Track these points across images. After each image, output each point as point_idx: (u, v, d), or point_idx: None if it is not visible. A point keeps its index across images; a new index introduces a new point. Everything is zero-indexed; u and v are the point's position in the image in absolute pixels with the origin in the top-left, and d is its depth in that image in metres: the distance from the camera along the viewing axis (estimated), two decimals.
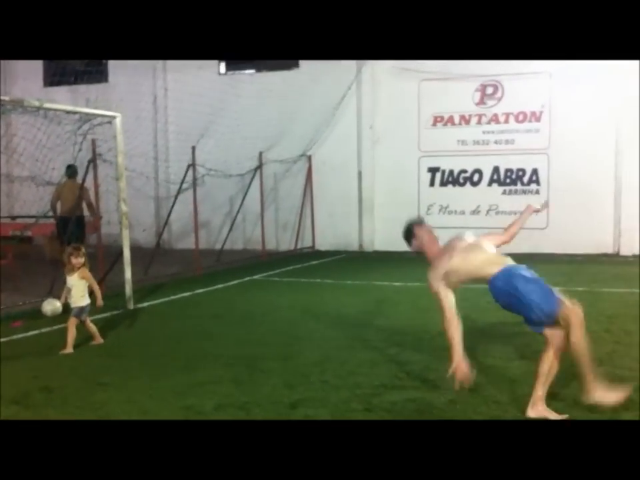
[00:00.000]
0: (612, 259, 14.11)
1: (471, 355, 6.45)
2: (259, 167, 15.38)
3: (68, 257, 7.16)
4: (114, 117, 9.50)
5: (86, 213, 11.64)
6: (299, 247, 16.75)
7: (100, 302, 7.25)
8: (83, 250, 7.25)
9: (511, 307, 4.94)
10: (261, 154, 15.35)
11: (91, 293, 7.30)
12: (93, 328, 7.32)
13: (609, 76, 14.20)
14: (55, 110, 9.29)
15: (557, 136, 14.99)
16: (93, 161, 10.14)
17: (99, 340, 7.28)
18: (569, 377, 5.47)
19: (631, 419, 4.68)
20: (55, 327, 7.71)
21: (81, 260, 7.15)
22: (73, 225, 10.72)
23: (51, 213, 11.84)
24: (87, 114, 9.71)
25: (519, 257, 12.30)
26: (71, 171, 11.58)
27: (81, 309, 7.14)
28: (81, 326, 7.17)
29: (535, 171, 15.33)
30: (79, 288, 7.14)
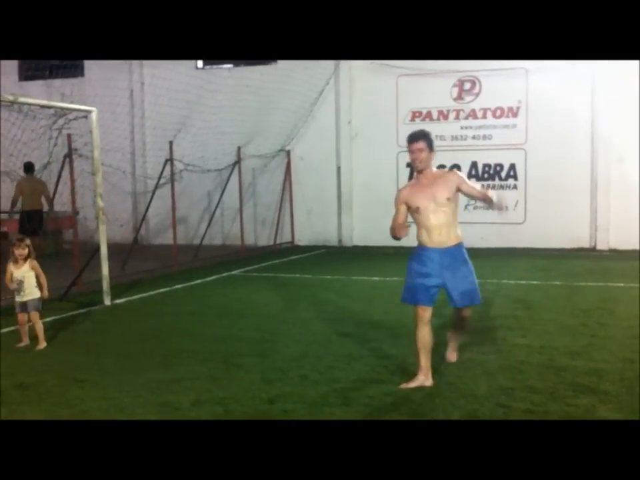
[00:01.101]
0: (588, 254, 14.24)
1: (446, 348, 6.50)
2: (237, 162, 15.31)
3: (11, 249, 7.05)
4: (90, 112, 9.40)
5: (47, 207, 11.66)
6: (277, 242, 16.72)
7: (46, 293, 7.13)
8: (27, 241, 7.10)
9: None
10: (239, 149, 15.28)
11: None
12: (41, 327, 7.09)
13: (585, 72, 14.32)
14: (30, 104, 9.19)
15: (534, 131, 15.09)
16: (68, 156, 10.04)
17: (42, 344, 6.99)
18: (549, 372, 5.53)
19: (607, 412, 4.72)
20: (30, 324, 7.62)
21: (24, 251, 7.00)
22: (35, 219, 10.74)
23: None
24: (62, 108, 9.60)
25: (496, 252, 12.49)
26: (28, 167, 11.87)
27: (39, 301, 7.06)
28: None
29: (512, 166, 15.42)
30: (30, 280, 7.01)
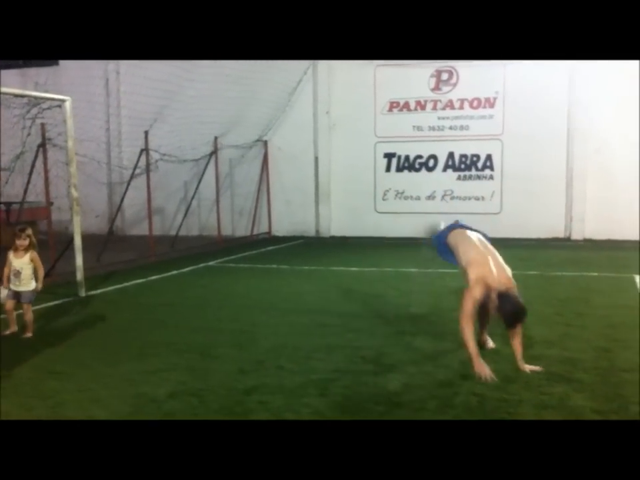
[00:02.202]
0: (563, 244, 14.38)
1: (425, 338, 6.54)
2: (214, 152, 15.22)
3: (12, 239, 6.95)
4: (64, 101, 9.27)
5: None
6: (255, 232, 16.67)
7: (40, 286, 7.08)
8: (29, 231, 7.03)
9: None
10: (216, 139, 15.19)
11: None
12: (31, 317, 7.07)
13: (563, 63, 14.40)
14: (3, 93, 9.03)
15: (511, 122, 15.17)
16: (42, 146, 9.91)
17: (30, 333, 6.99)
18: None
19: (581, 400, 4.77)
20: (2, 316, 7.53)
21: (25, 242, 6.93)
22: None
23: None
24: (35, 97, 9.47)
25: None
26: None
27: (33, 293, 6.99)
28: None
29: (489, 157, 15.50)
30: (27, 271, 6.95)
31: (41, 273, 7.08)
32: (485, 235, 6.09)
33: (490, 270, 5.34)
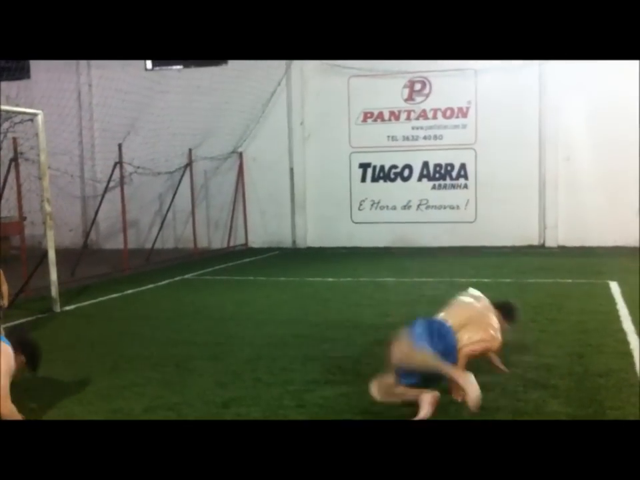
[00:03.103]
0: (537, 251, 14.51)
1: None
2: (189, 164, 15.18)
3: None
4: (35, 114, 9.19)
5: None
6: (231, 244, 16.63)
7: (5, 303, 6.93)
8: None
9: None
10: (190, 151, 15.15)
11: None
12: None
13: (533, 72, 14.60)
14: None
15: (483, 131, 15.32)
16: (14, 160, 9.80)
17: None
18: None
19: (557, 406, 4.80)
20: None
21: None
22: None
23: None
24: (7, 111, 9.38)
25: (448, 251, 12.61)
26: None
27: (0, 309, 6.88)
28: None
29: (463, 166, 15.62)
30: None
31: (5, 289, 6.96)
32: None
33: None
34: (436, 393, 4.68)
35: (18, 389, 5.62)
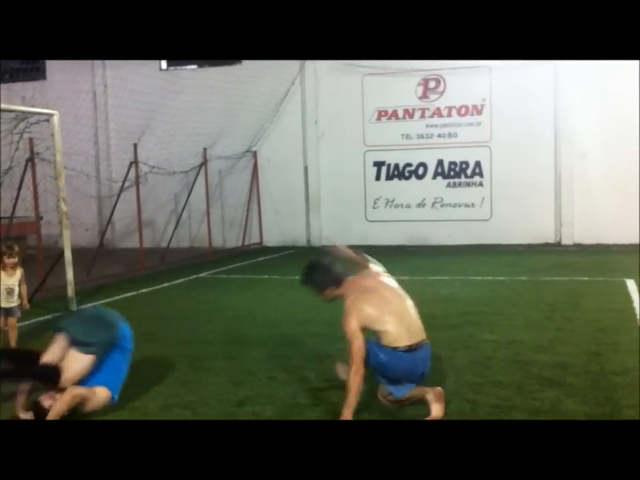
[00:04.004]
0: (553, 249, 14.43)
1: None
2: (203, 163, 15.22)
3: (1, 257, 6.83)
4: (51, 115, 9.26)
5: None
6: (246, 243, 16.66)
7: (26, 303, 7.10)
8: (17, 249, 6.96)
9: None
10: (205, 150, 15.19)
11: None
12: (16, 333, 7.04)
13: (548, 69, 14.52)
14: None
15: (498, 129, 15.25)
16: (30, 160, 9.89)
17: None
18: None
19: (572, 405, 4.78)
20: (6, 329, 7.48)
21: (15, 259, 6.86)
22: None
23: None
24: (23, 112, 9.46)
25: (463, 249, 12.56)
26: None
27: (19, 308, 6.97)
28: None
29: (477, 164, 15.56)
30: (15, 289, 6.92)
31: (25, 289, 7.08)
32: None
33: None
34: (438, 389, 4.68)
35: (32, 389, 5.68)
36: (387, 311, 4.67)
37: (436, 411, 4.57)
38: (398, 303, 4.78)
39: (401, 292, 4.89)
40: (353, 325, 4.61)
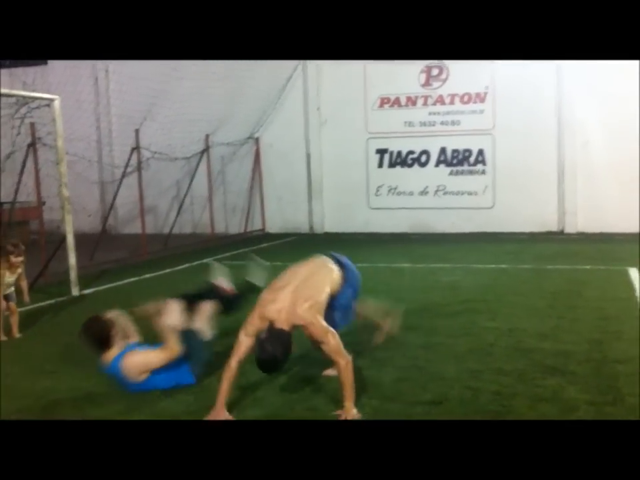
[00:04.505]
0: (556, 237, 14.41)
1: (418, 332, 6.54)
2: (206, 149, 15.19)
3: (7, 256, 6.81)
4: (52, 100, 9.23)
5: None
6: (248, 229, 16.66)
7: (27, 298, 7.30)
8: (22, 247, 6.98)
9: None
10: (207, 137, 15.15)
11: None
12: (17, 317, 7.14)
13: None
14: None
15: (501, 117, 15.18)
16: (32, 145, 9.87)
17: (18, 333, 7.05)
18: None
19: (574, 393, 4.78)
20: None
21: (21, 259, 6.92)
22: None
23: None
24: (24, 97, 9.43)
25: (466, 237, 12.56)
26: None
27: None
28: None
29: (480, 152, 15.50)
30: (13, 283, 7.05)
31: (25, 285, 7.24)
32: None
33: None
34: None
35: (36, 370, 5.70)
36: (309, 282, 4.76)
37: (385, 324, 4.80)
38: (301, 271, 4.92)
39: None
40: (321, 323, 4.53)
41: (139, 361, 5.05)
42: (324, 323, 4.54)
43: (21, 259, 6.90)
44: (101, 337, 5.06)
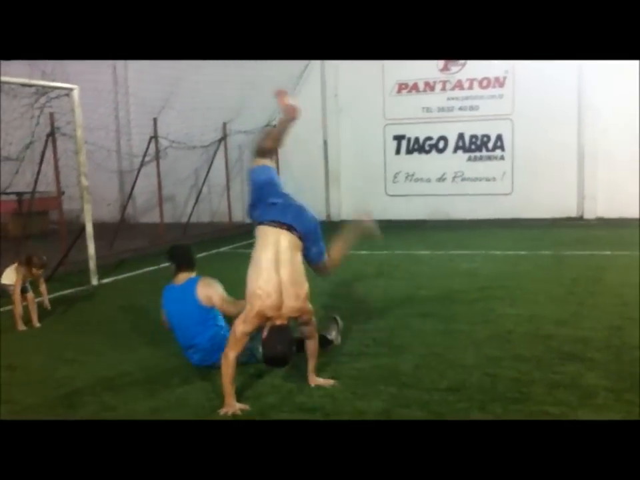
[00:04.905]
0: (576, 223, 14.29)
1: (436, 319, 6.53)
2: (223, 138, 15.20)
3: (29, 266, 6.98)
4: (71, 89, 9.28)
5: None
6: None
7: (46, 302, 7.50)
8: (46, 260, 7.26)
9: None
10: (224, 125, 15.16)
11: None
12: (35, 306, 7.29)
13: None
14: (10, 83, 9.06)
15: (521, 102, 15.04)
16: (51, 135, 9.92)
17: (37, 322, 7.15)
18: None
19: (593, 379, 4.75)
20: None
21: (42, 271, 7.22)
22: None
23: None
24: (43, 87, 9.48)
25: (484, 223, 12.44)
26: None
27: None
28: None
29: (499, 137, 15.38)
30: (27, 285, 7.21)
31: (44, 289, 7.46)
32: None
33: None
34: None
35: (56, 359, 5.77)
36: (288, 267, 4.82)
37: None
38: (271, 257, 4.92)
39: None
40: (311, 308, 4.83)
41: (214, 287, 5.42)
42: (311, 306, 4.77)
43: (41, 271, 7.17)
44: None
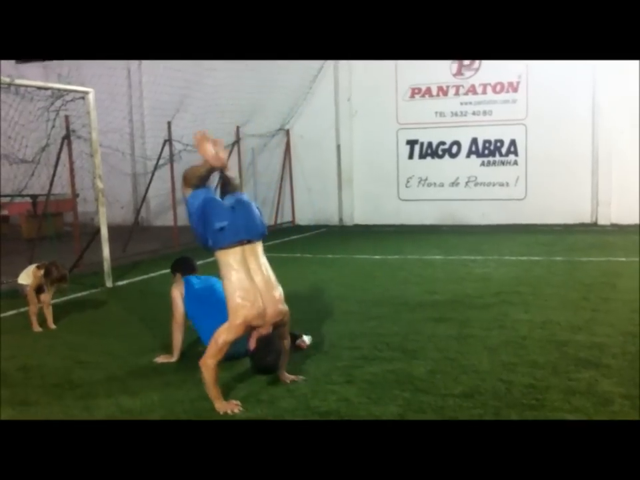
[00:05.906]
0: (590, 229, 14.22)
1: (450, 324, 6.51)
2: (237, 141, 15.24)
3: (47, 277, 6.95)
4: (87, 93, 9.33)
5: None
6: (278, 221, 16.70)
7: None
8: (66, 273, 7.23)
9: None
10: (237, 128, 15.20)
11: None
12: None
13: None
14: (26, 86, 9.14)
15: (534, 106, 15.00)
16: (66, 138, 10.00)
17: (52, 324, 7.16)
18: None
19: (609, 386, 4.72)
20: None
21: (56, 284, 7.12)
22: None
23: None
24: (58, 90, 9.55)
25: (498, 228, 12.48)
26: None
27: None
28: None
29: (512, 142, 15.35)
30: None
31: (50, 312, 7.27)
32: None
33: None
34: None
35: (71, 360, 5.79)
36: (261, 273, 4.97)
37: None
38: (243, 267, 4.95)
39: None
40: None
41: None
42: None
43: (54, 288, 7.10)
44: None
